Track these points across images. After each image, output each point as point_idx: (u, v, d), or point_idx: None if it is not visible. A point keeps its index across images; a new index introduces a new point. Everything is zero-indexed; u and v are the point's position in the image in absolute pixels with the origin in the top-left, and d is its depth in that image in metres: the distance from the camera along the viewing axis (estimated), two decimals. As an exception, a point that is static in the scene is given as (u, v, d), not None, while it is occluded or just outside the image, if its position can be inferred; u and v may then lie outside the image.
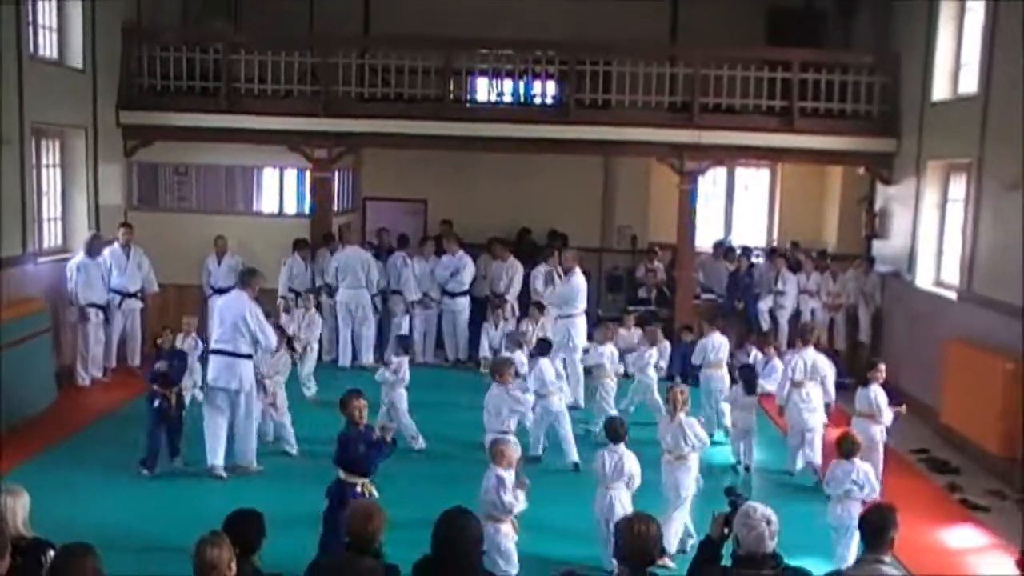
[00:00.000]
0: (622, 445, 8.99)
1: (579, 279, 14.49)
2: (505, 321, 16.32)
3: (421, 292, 16.55)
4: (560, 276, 15.30)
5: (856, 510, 8.38)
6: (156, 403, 10.94)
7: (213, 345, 11.12)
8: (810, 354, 11.79)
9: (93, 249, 14.58)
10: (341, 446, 8.57)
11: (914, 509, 9.66)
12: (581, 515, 9.38)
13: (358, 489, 8.32)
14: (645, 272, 18.05)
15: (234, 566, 5.23)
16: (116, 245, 15.05)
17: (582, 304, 14.45)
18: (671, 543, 8.90)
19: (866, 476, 8.85)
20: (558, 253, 15.88)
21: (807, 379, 11.65)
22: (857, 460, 8.90)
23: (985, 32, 13.26)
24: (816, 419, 11.68)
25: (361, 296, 15.96)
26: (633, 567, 5.39)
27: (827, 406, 11.99)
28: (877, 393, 10.84)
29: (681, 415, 9.39)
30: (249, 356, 11.03)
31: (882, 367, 11.17)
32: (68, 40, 14.89)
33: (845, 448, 8.94)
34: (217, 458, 10.90)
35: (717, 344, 13.32)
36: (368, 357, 16.02)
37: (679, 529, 9.20)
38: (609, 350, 13.34)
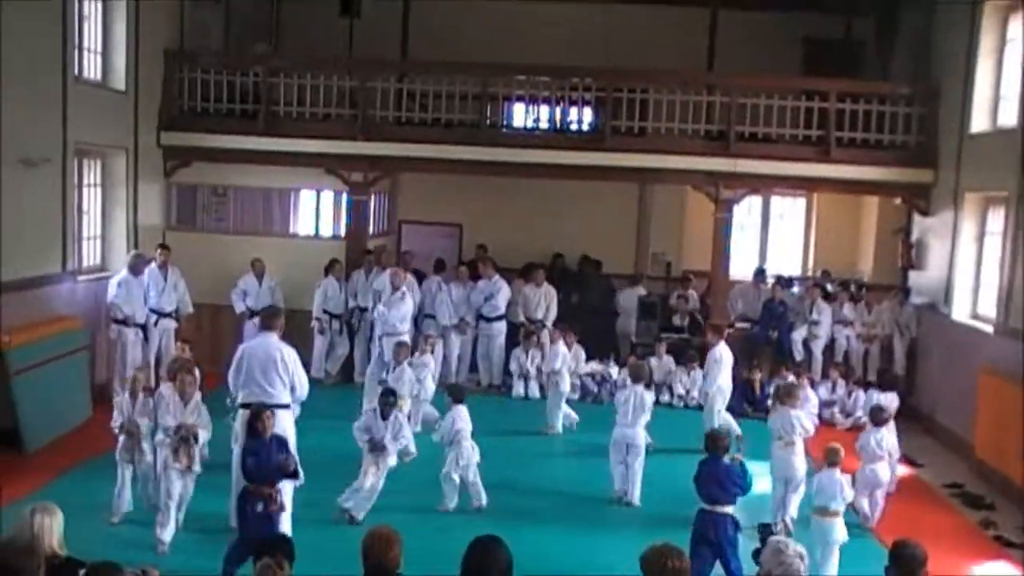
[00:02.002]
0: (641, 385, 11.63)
1: (410, 300, 14.87)
2: (541, 347, 16.35)
3: (458, 317, 16.59)
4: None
5: (882, 471, 10.90)
6: (260, 507, 8.60)
7: (241, 399, 9.85)
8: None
9: (136, 268, 14.63)
10: (709, 477, 8.79)
11: (948, 545, 9.63)
12: (608, 550, 9.40)
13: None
14: (678, 299, 18.02)
15: None
16: (153, 265, 15.20)
17: (405, 324, 14.75)
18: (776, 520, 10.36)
19: (892, 444, 11.21)
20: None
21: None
22: (884, 429, 10.98)
23: (1025, 65, 13.21)
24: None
25: None
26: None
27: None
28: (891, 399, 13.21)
29: (789, 408, 10.90)
30: (287, 406, 9.78)
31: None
32: (112, 63, 15.12)
33: (874, 417, 11.12)
34: None
35: (564, 352, 15.04)
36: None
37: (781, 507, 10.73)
38: (409, 374, 13.10)
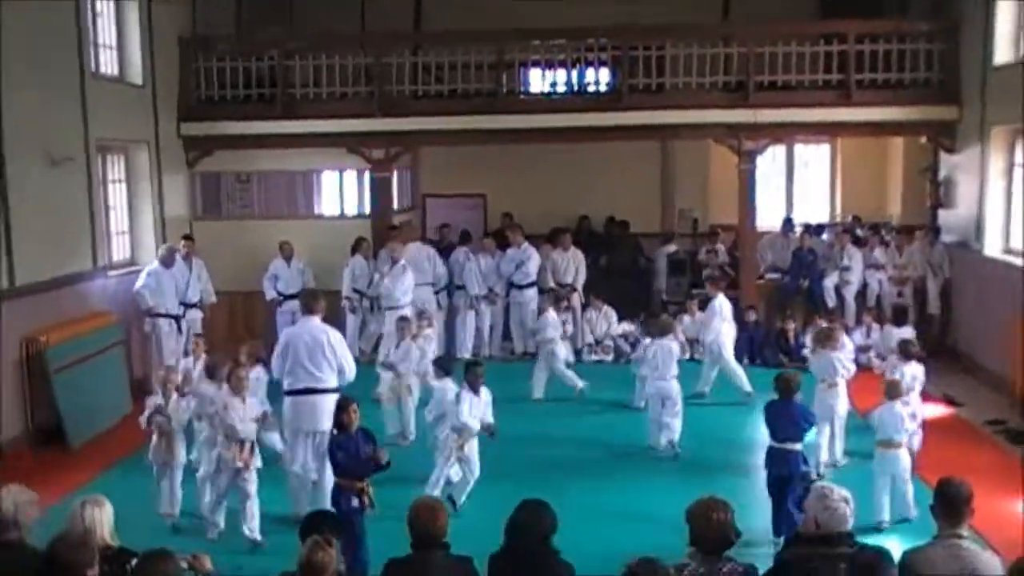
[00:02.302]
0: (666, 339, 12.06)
1: (411, 274, 14.86)
2: (573, 311, 16.33)
3: (487, 287, 16.60)
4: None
5: (915, 402, 10.69)
6: (355, 503, 8.30)
7: (287, 385, 9.67)
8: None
9: (167, 260, 14.56)
10: (783, 416, 9.29)
11: (992, 480, 9.54)
12: (652, 501, 9.44)
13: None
14: (707, 254, 17.96)
15: None
16: (177, 256, 15.22)
17: (407, 296, 14.72)
18: (820, 461, 10.62)
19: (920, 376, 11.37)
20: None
21: None
22: (914, 362, 11.09)
23: (1046, -8, 13.00)
24: None
25: (425, 292, 15.92)
26: (708, 552, 5.40)
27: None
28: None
29: (829, 351, 11.04)
30: (336, 390, 9.51)
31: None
32: (127, 57, 15.18)
33: (904, 351, 11.26)
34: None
35: (555, 320, 14.46)
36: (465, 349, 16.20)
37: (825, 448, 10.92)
38: (414, 351, 12.61)
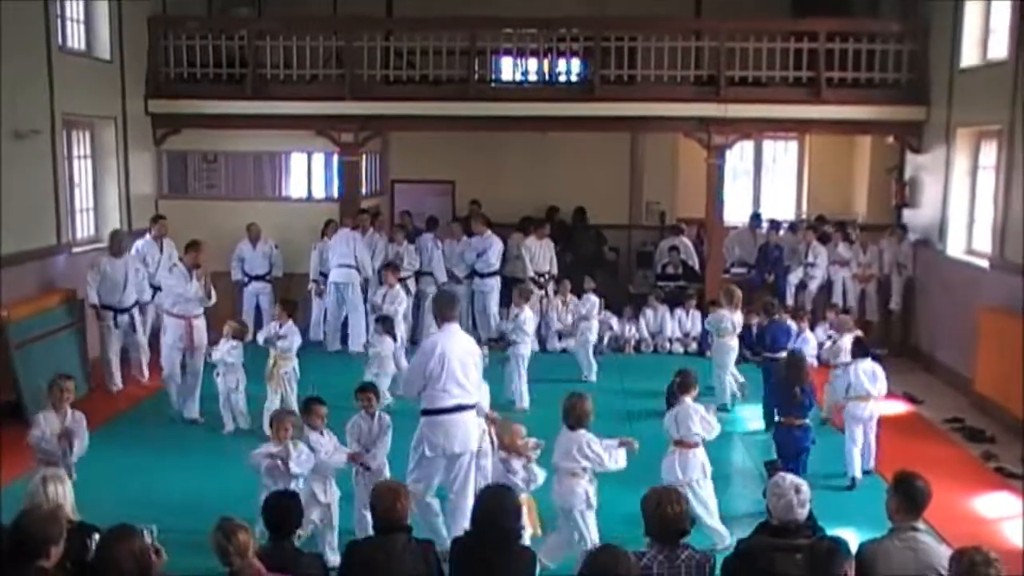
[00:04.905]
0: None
1: None
2: (546, 298, 16.32)
3: (448, 272, 16.57)
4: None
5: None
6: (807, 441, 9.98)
7: (432, 403, 8.30)
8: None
9: (117, 247, 13.89)
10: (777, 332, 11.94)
11: (949, 478, 9.69)
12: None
13: None
14: (669, 252, 17.88)
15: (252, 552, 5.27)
16: (148, 237, 15.02)
17: None
18: None
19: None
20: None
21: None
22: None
23: (1014, -4, 13.13)
24: None
25: (351, 277, 15.74)
26: (665, 542, 5.47)
27: None
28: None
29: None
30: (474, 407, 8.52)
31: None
32: (96, 31, 15.01)
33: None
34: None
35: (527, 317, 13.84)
36: (359, 342, 15.41)
37: None
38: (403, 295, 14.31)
